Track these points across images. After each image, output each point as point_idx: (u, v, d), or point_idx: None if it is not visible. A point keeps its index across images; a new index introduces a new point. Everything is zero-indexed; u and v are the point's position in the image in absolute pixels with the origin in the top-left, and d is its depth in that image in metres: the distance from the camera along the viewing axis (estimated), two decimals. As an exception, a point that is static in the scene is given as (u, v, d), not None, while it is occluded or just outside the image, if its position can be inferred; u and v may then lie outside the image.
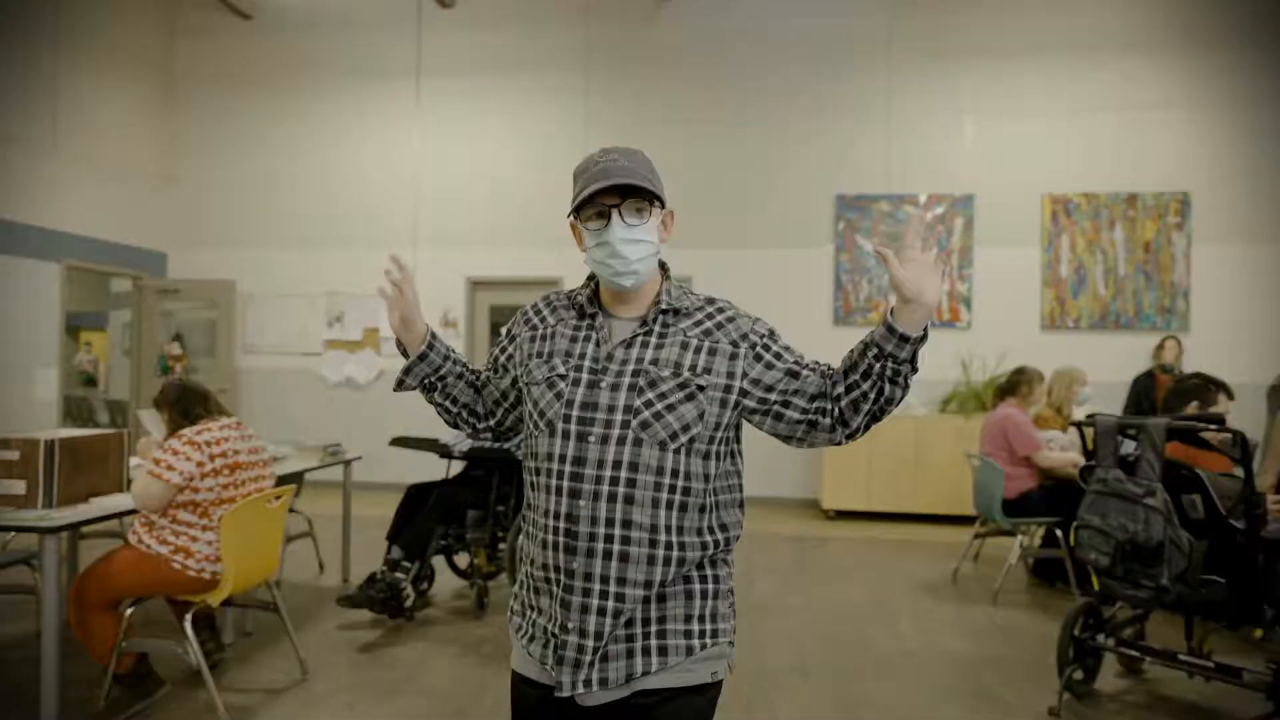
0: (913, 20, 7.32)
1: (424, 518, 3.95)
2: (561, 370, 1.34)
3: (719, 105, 7.60)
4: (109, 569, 2.77)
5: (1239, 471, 2.63)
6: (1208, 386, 3.15)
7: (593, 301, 1.39)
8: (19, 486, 2.84)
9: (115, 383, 10.80)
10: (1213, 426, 2.64)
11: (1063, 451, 4.54)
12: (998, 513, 4.54)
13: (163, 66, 8.37)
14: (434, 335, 1.46)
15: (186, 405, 2.90)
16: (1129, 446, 2.73)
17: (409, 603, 3.83)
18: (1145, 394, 6.18)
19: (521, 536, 1.40)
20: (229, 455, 2.86)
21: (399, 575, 3.81)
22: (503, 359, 1.47)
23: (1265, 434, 3.59)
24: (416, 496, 4.14)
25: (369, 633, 3.76)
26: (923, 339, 1.25)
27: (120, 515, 2.90)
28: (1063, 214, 7.08)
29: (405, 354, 1.47)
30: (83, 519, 2.74)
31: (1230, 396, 3.10)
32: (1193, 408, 3.25)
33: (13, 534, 3.82)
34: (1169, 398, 3.22)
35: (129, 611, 2.80)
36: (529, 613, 1.37)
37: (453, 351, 1.50)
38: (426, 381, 1.48)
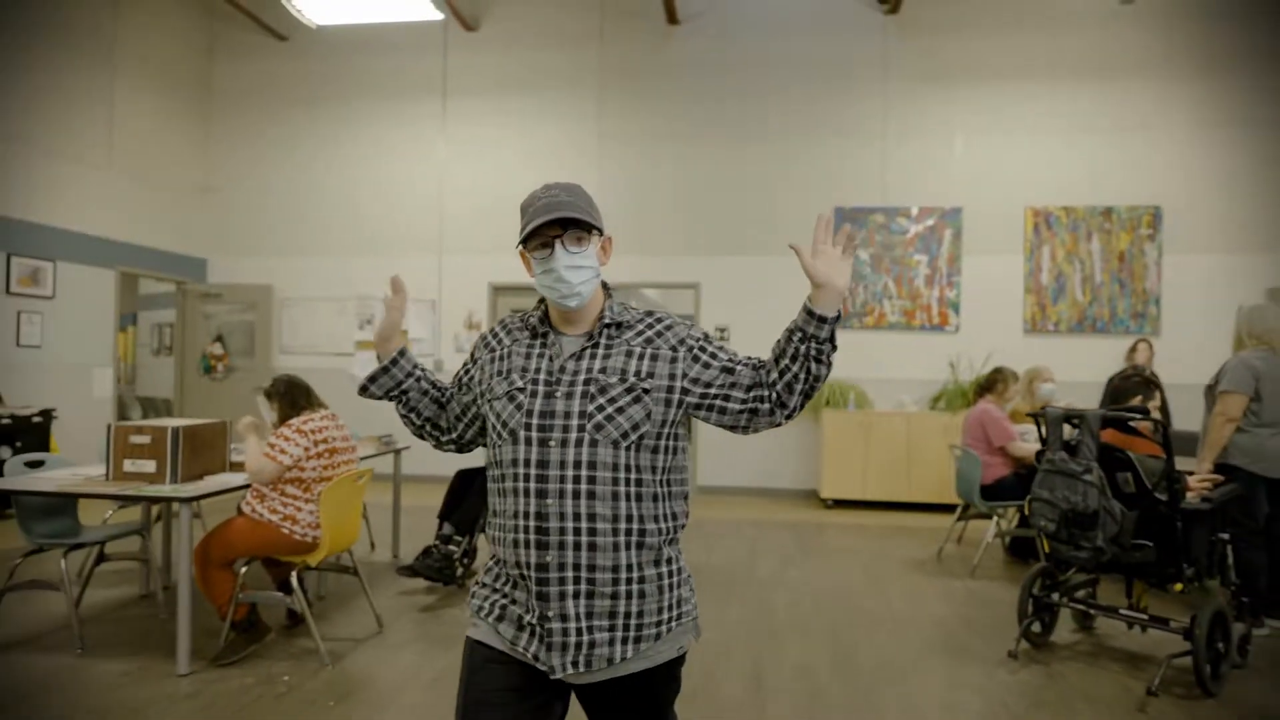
0: (907, 44, 7.88)
1: (473, 501, 4.51)
2: (520, 384, 1.46)
3: (724, 122, 8.16)
4: (228, 533, 3.34)
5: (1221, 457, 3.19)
6: (1147, 384, 3.72)
7: (544, 322, 1.53)
8: (150, 466, 3.41)
9: (143, 380, 11.38)
10: (1138, 417, 3.20)
11: (1035, 443, 5.11)
12: (976, 497, 5.11)
13: (202, 84, 8.94)
14: (402, 353, 1.60)
15: (294, 398, 3.46)
16: (1072, 432, 3.29)
17: (459, 572, 4.40)
18: (1126, 391, 6.72)
19: (489, 541, 1.54)
20: (328, 441, 3.43)
21: (451, 548, 4.38)
22: (465, 378, 1.60)
23: (1203, 427, 4.14)
24: (463, 480, 4.70)
25: (426, 597, 4.32)
26: (837, 319, 1.40)
27: (235, 489, 3.46)
28: (1044, 226, 7.65)
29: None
30: (207, 491, 3.30)
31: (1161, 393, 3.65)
32: (1137, 400, 3.82)
33: (117, 509, 4.39)
34: (1116, 392, 3.79)
35: (243, 570, 3.37)
36: (500, 598, 1.48)
37: (419, 369, 1.62)
38: (390, 393, 1.60)
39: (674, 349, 1.48)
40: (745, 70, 8.13)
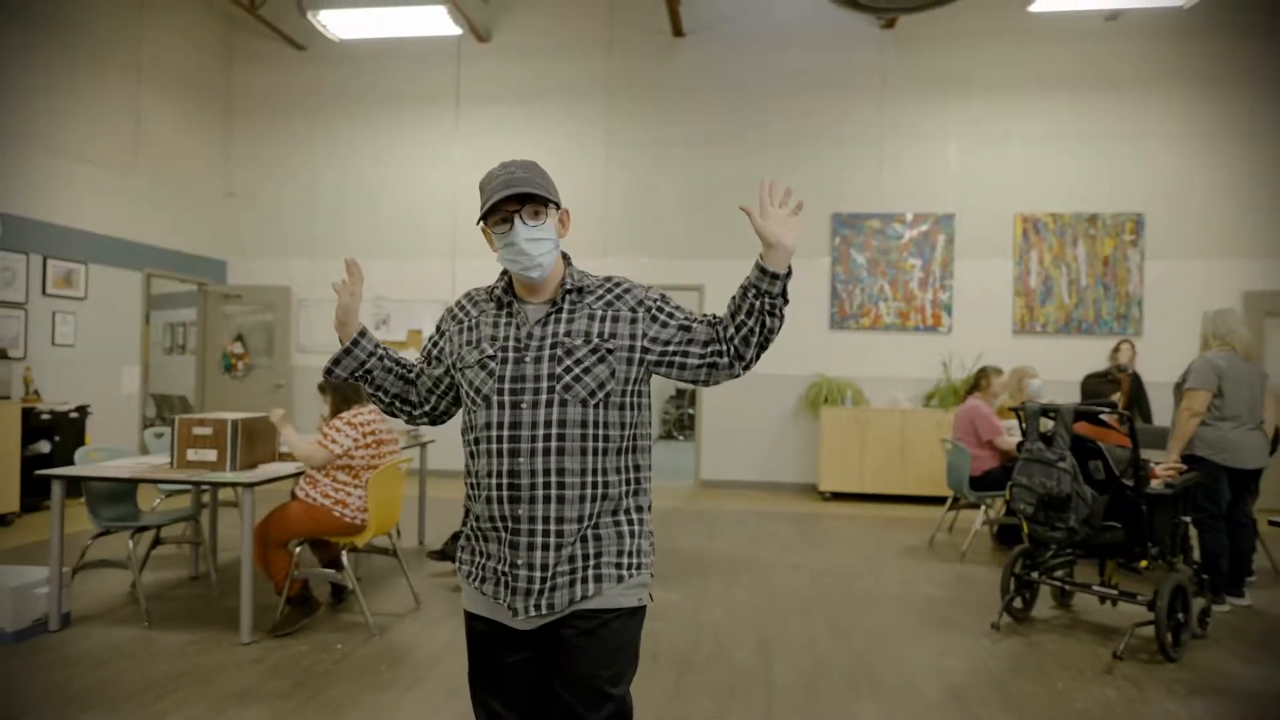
0: (903, 57, 8.23)
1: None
2: (490, 352, 1.54)
3: (727, 131, 8.50)
4: (285, 516, 3.68)
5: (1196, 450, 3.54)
6: (1114, 382, 4.07)
7: (508, 292, 1.60)
8: (212, 455, 3.75)
9: (157, 378, 11.68)
10: (1108, 411, 3.56)
11: (1019, 436, 5.46)
12: (966, 488, 5.46)
13: (222, 92, 9.25)
14: (362, 334, 1.66)
15: (345, 393, 3.79)
16: (1048, 425, 3.65)
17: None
18: (1093, 393, 7.09)
19: (466, 500, 1.63)
20: (375, 433, 3.76)
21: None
22: (435, 351, 1.68)
23: (1172, 421, 4.49)
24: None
25: (455, 579, 4.66)
26: (788, 275, 1.48)
27: (286, 477, 3.79)
28: (1032, 231, 8.01)
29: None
30: (266, 478, 3.63)
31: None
32: (1116, 397, 4.18)
33: (164, 497, 4.72)
34: (1089, 389, 4.15)
35: (297, 549, 3.71)
36: (478, 558, 1.59)
37: (380, 348, 1.69)
38: (355, 374, 1.67)
39: (633, 310, 1.56)
40: (748, 81, 8.47)
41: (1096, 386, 4.07)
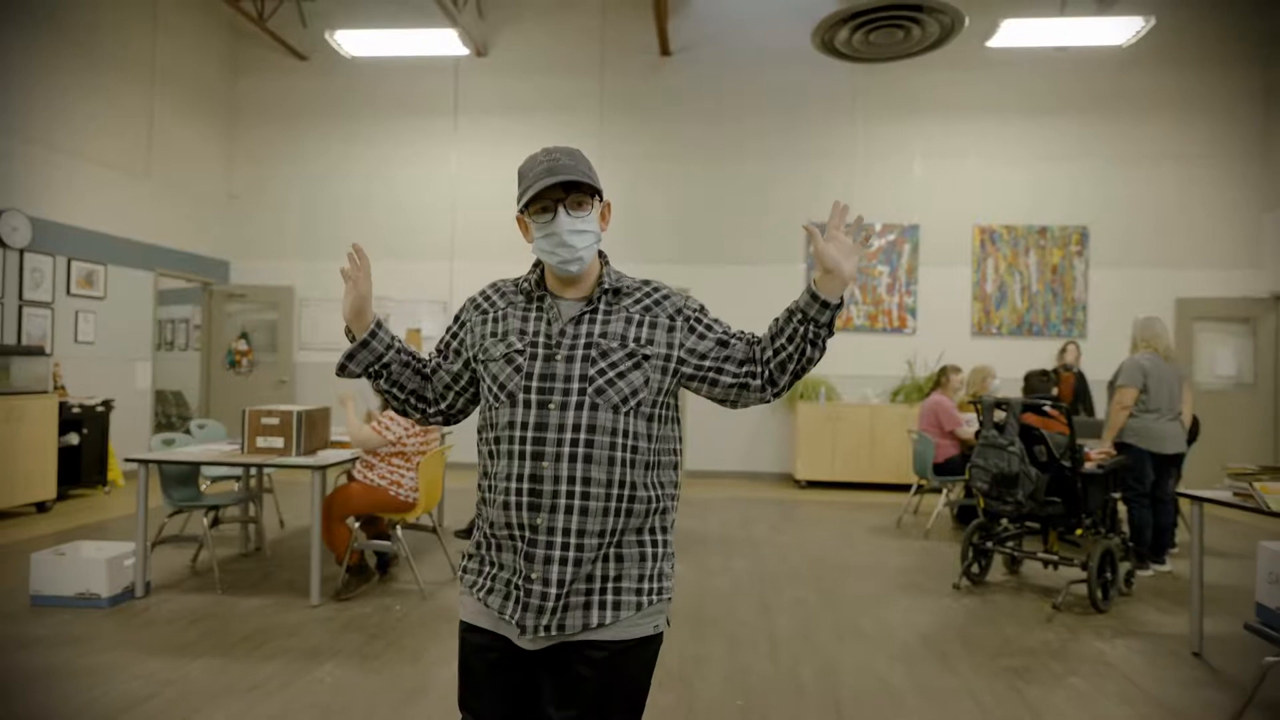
0: (873, 81, 8.92)
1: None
2: (519, 346, 1.44)
3: (713, 145, 9.12)
4: (346, 495, 4.19)
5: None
6: (1050, 379, 4.76)
7: (540, 286, 1.50)
8: (279, 442, 4.24)
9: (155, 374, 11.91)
10: (1049, 403, 4.24)
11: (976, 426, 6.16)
12: (930, 474, 6.14)
13: (227, 100, 9.61)
14: (379, 324, 1.53)
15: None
16: (1000, 415, 4.32)
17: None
18: (1033, 388, 7.84)
19: (479, 502, 1.51)
20: (426, 421, 4.30)
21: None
22: (454, 344, 1.56)
23: (1107, 414, 5.20)
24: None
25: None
26: (840, 305, 1.38)
27: (344, 462, 4.30)
28: (989, 242, 8.76)
29: (351, 340, 1.55)
30: (330, 462, 4.14)
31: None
32: (1054, 392, 4.87)
33: (211, 482, 5.19)
34: (1030, 384, 4.83)
35: (356, 525, 4.23)
36: (489, 568, 1.46)
37: (397, 341, 1.56)
38: (371, 369, 1.54)
39: (671, 318, 1.48)
40: (731, 99, 9.09)
41: (1036, 383, 4.77)
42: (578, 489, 1.38)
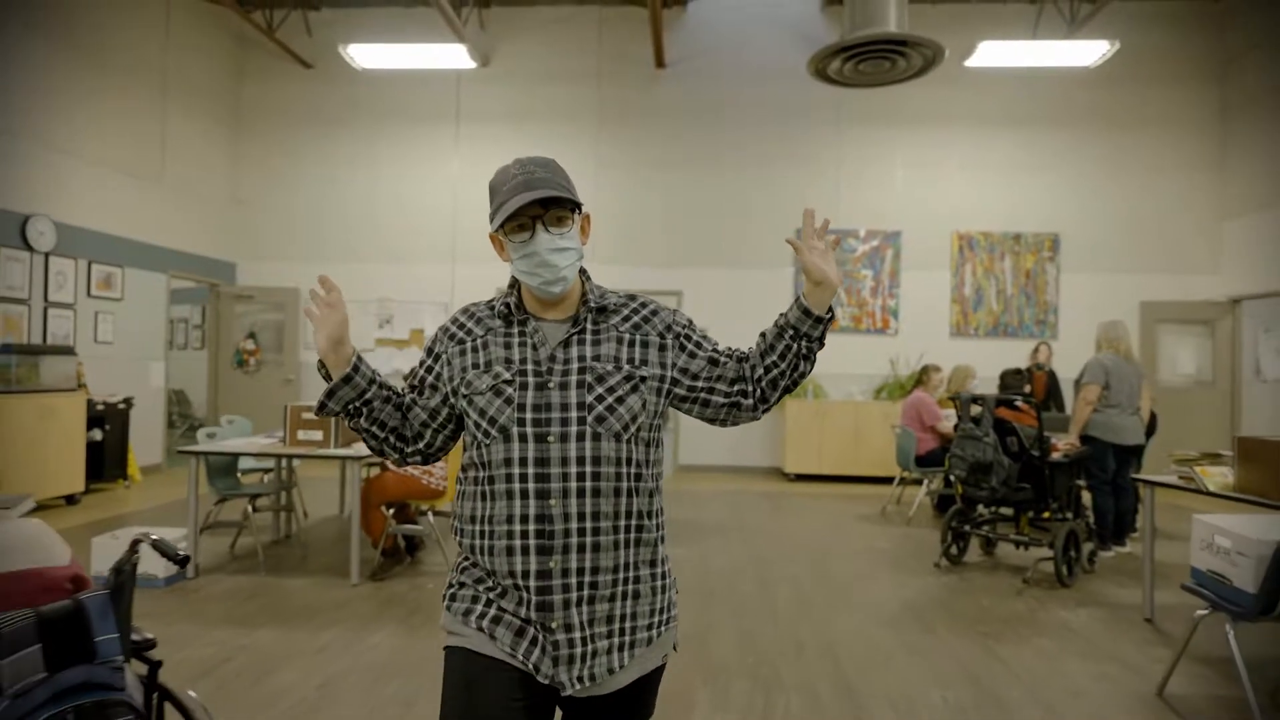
0: (857, 94, 9.35)
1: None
2: (506, 376, 1.34)
3: (704, 153, 9.54)
4: (382, 483, 4.56)
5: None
6: (1023, 378, 5.23)
7: (519, 308, 1.41)
8: (318, 435, 4.61)
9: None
10: (1020, 399, 4.70)
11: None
12: (912, 465, 6.60)
13: (233, 106, 9.90)
14: (360, 358, 1.41)
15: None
16: (977, 410, 4.78)
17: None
18: (1007, 385, 8.33)
19: (465, 550, 1.39)
20: (455, 415, 4.68)
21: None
22: (430, 378, 1.44)
23: (1073, 408, 5.68)
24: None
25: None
26: (830, 318, 1.36)
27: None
28: (967, 248, 9.26)
29: (327, 377, 1.41)
30: (364, 454, 4.51)
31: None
32: (1026, 389, 5.34)
33: (242, 473, 5.52)
34: (1004, 382, 5.30)
35: (390, 512, 4.60)
36: (485, 604, 1.36)
37: (377, 374, 1.44)
38: (350, 406, 1.40)
39: (662, 335, 1.42)
40: (722, 109, 9.52)
41: (1010, 380, 5.25)
42: (588, 525, 1.32)
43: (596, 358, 1.36)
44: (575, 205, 1.39)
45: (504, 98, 9.69)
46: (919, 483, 6.87)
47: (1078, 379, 5.60)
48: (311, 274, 10.00)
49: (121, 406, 7.41)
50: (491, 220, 1.38)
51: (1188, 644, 3.11)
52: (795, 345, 1.38)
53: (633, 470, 1.35)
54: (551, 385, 1.34)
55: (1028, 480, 4.74)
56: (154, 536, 1.86)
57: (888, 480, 8.12)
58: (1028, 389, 5.23)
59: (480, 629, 1.33)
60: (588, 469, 1.31)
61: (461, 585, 1.40)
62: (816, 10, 9.46)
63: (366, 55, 7.96)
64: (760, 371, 1.41)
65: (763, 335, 1.42)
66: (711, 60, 9.52)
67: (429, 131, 9.80)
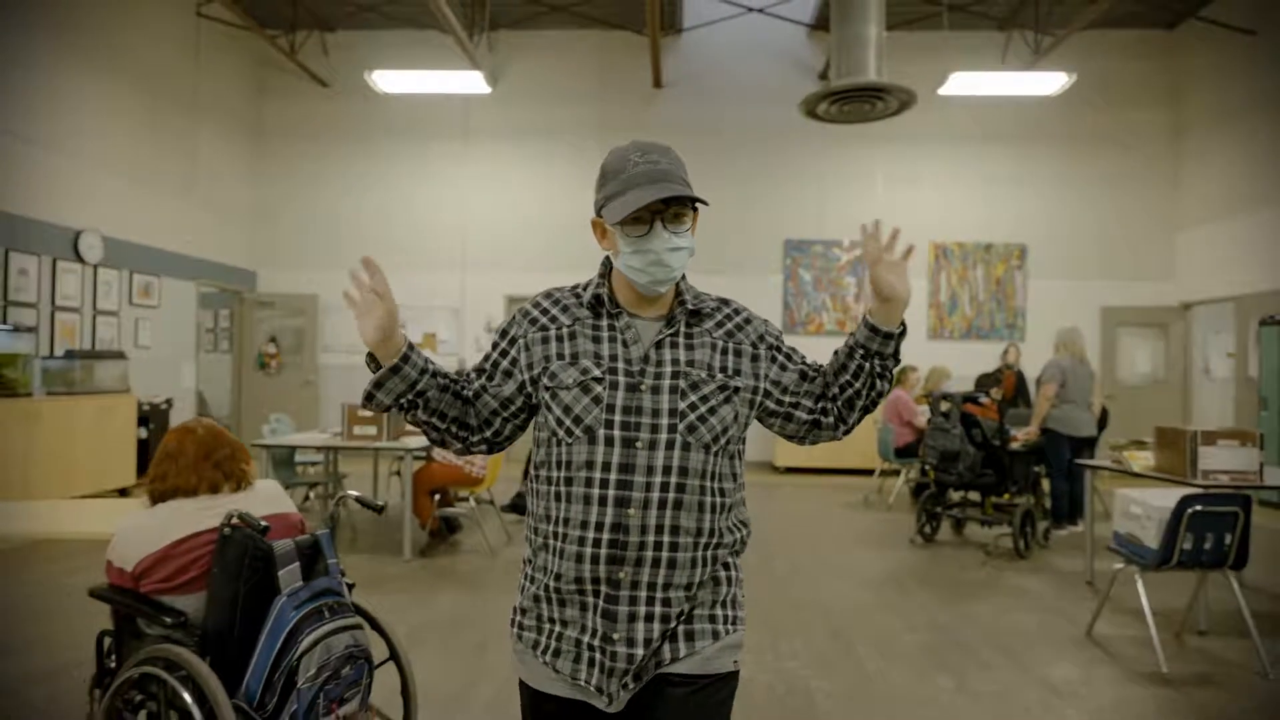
0: (840, 113, 10.09)
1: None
2: (596, 373, 1.28)
3: (699, 166, 10.01)
4: (430, 472, 5.21)
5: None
6: (995, 380, 5.96)
7: (612, 301, 1.34)
8: (372, 430, 5.24)
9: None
10: (982, 397, 5.42)
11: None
12: (892, 457, 7.32)
13: (253, 122, 10.47)
14: (412, 347, 1.30)
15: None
16: (946, 406, 5.49)
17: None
18: (982, 386, 9.08)
19: (534, 549, 1.35)
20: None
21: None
22: (504, 363, 1.36)
23: (1034, 404, 6.42)
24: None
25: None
26: (903, 333, 1.32)
27: (426, 446, 5.31)
28: (942, 256, 10.01)
29: (376, 368, 1.29)
30: (415, 448, 5.15)
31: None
32: (996, 389, 6.06)
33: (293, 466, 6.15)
34: (980, 383, 6.02)
35: (437, 498, 5.25)
36: (549, 625, 1.31)
37: (430, 363, 1.32)
38: (403, 399, 1.29)
39: (754, 345, 1.37)
40: (715, 126, 10.20)
41: (984, 382, 5.99)
42: (665, 539, 1.26)
43: (690, 363, 1.31)
44: (696, 203, 1.31)
45: (510, 116, 10.32)
46: (897, 473, 7.59)
47: (1038, 378, 6.33)
48: (329, 282, 10.63)
49: (164, 406, 7.99)
50: (601, 205, 1.33)
51: (1108, 594, 3.82)
52: (868, 365, 1.34)
53: (717, 485, 1.31)
54: (644, 388, 1.28)
55: (990, 467, 5.46)
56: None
57: (870, 472, 8.83)
58: (996, 390, 5.96)
59: (545, 663, 1.31)
60: (673, 479, 1.26)
61: (523, 611, 1.36)
62: (803, 36, 10.16)
63: (389, 80, 8.57)
64: (834, 390, 1.36)
65: (835, 353, 1.38)
66: (705, 81, 10.21)
67: (440, 147, 10.40)
